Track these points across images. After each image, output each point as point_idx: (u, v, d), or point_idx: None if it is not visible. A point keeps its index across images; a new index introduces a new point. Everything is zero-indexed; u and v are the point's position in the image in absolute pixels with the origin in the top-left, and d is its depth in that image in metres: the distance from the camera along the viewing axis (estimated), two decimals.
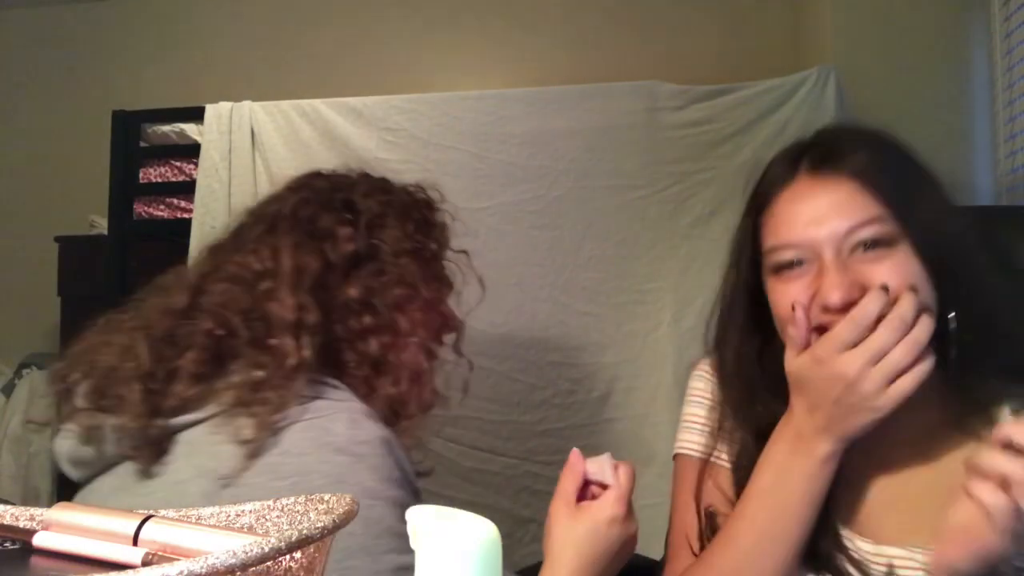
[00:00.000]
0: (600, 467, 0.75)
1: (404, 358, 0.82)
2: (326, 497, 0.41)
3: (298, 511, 0.41)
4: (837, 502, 0.74)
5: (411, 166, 1.68)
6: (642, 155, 1.68)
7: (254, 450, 0.66)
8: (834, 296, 0.68)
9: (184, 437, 0.71)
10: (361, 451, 0.69)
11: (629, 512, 0.73)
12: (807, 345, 0.70)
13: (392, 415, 0.81)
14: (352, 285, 0.80)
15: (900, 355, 0.64)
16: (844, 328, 0.65)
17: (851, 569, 0.72)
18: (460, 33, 2.41)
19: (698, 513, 0.83)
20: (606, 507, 0.72)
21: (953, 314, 0.68)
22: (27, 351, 2.40)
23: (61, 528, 0.38)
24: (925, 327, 0.65)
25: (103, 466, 0.73)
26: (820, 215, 0.72)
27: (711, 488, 0.84)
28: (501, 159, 1.73)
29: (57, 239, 2.24)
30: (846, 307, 0.67)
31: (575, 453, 0.78)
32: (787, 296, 0.73)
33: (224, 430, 0.69)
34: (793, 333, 0.70)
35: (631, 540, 0.73)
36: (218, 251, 0.85)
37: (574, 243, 1.69)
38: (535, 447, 1.66)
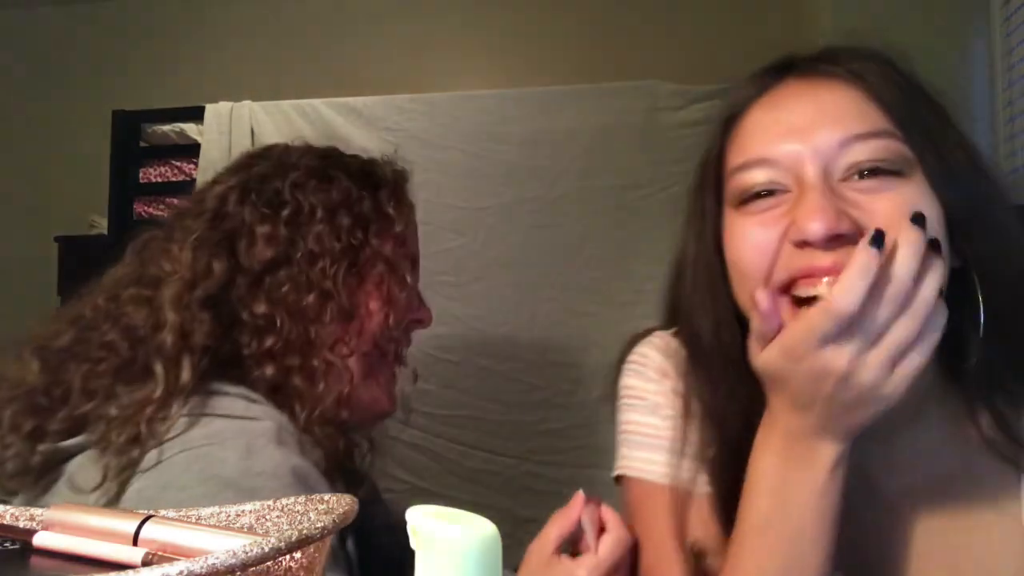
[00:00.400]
0: (590, 522, 0.64)
1: (325, 373, 0.71)
2: (326, 497, 0.41)
3: (298, 511, 0.41)
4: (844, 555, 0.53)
5: (411, 166, 1.68)
6: (642, 155, 1.68)
7: (120, 488, 0.59)
8: (814, 224, 0.49)
9: (68, 467, 0.64)
10: (254, 484, 0.58)
11: None
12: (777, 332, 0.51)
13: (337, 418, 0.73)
14: (258, 298, 0.70)
15: (903, 330, 0.47)
16: (820, 319, 0.47)
17: None
18: (460, 33, 2.41)
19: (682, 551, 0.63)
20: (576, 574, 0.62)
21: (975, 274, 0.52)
22: None
23: (61, 528, 0.38)
24: (935, 277, 0.47)
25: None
26: (805, 122, 0.53)
27: (694, 522, 0.63)
28: (501, 159, 1.73)
29: (57, 239, 2.24)
30: (830, 241, 0.49)
31: (578, 498, 0.64)
32: (748, 238, 0.54)
33: (97, 465, 0.61)
34: (757, 325, 0.52)
35: None
36: (150, 244, 0.76)
37: (574, 243, 1.69)
38: (535, 447, 1.66)
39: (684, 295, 0.64)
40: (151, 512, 0.38)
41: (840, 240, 0.50)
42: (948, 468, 0.56)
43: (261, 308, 0.70)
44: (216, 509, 0.41)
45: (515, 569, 0.64)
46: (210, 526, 0.39)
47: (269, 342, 0.69)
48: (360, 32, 2.44)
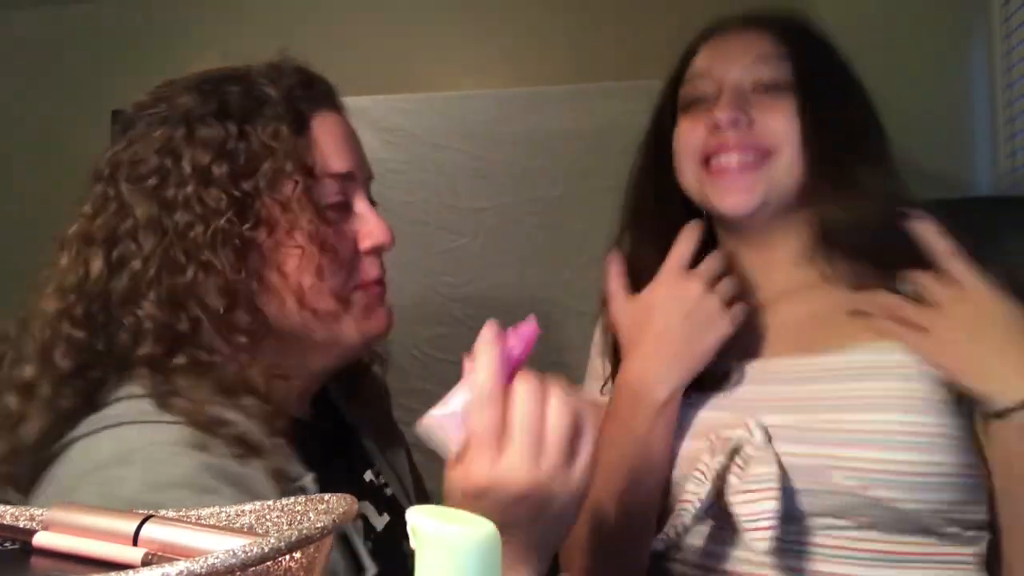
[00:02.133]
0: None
1: (231, 359, 0.63)
2: (326, 497, 0.41)
3: (298, 511, 0.41)
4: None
5: (411, 166, 1.68)
6: None
7: None
8: (723, 114, 0.75)
9: None
10: (160, 499, 0.52)
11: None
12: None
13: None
14: (139, 295, 0.63)
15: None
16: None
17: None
18: (460, 33, 2.41)
19: None
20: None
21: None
22: None
23: (61, 528, 0.38)
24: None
25: None
26: (731, 52, 0.80)
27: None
28: (501, 159, 1.73)
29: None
30: (732, 125, 0.75)
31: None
32: (687, 129, 0.81)
33: None
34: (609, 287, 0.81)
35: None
36: (52, 244, 0.70)
37: (574, 243, 1.69)
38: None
39: (635, 185, 0.90)
40: (151, 512, 0.38)
41: (737, 125, 0.75)
42: (806, 279, 0.80)
43: (145, 307, 0.62)
44: (216, 509, 0.41)
45: None
46: (210, 526, 0.39)
47: (148, 346, 0.61)
48: (360, 32, 2.44)
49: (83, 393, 0.61)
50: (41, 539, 0.38)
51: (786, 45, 0.78)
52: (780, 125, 0.75)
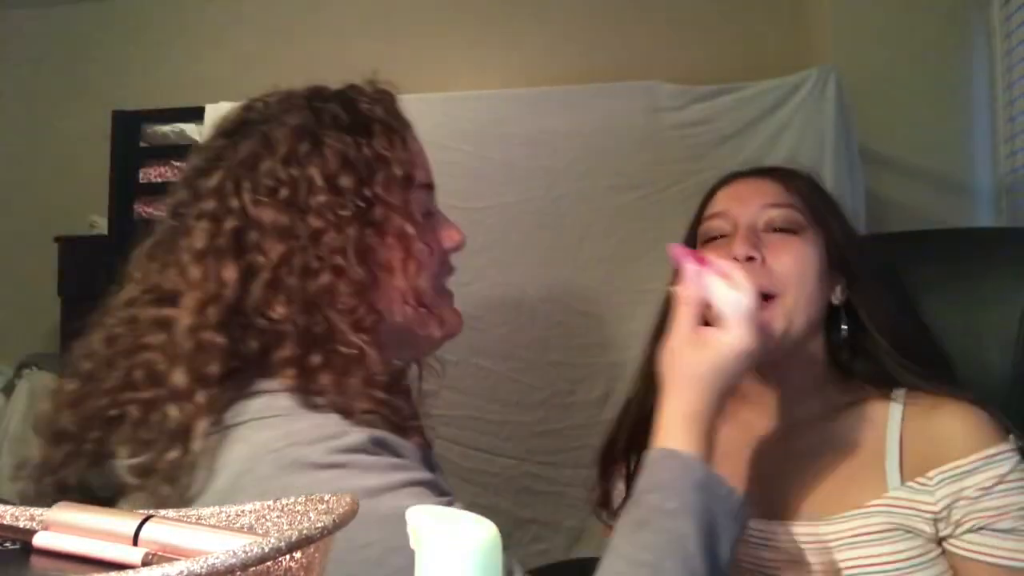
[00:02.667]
0: (717, 276, 0.72)
1: (357, 359, 0.68)
2: (326, 497, 0.41)
3: (298, 511, 0.41)
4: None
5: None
6: (642, 155, 1.68)
7: None
8: (739, 248, 0.83)
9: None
10: (346, 460, 0.60)
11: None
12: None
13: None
14: (275, 300, 0.67)
15: None
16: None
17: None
18: (460, 33, 2.41)
19: None
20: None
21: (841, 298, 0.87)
22: (27, 351, 2.39)
23: (61, 528, 0.38)
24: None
25: None
26: (745, 196, 0.90)
27: None
28: (501, 159, 1.72)
29: (57, 239, 2.24)
30: (748, 260, 0.82)
31: (690, 269, 0.74)
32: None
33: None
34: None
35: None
36: (156, 253, 0.72)
37: (574, 243, 1.69)
38: (534, 447, 1.66)
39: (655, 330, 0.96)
40: (151, 512, 0.38)
41: (752, 260, 0.83)
42: (830, 448, 0.84)
43: (279, 311, 0.66)
44: (216, 509, 0.41)
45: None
46: (210, 526, 0.39)
47: (289, 347, 0.66)
48: (360, 32, 2.44)
49: (234, 394, 0.64)
50: (41, 539, 0.38)
51: (792, 192, 0.89)
52: (788, 263, 0.83)
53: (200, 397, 0.62)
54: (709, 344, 0.68)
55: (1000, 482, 0.74)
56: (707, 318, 0.72)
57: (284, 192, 0.69)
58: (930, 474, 0.76)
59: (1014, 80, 1.69)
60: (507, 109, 1.75)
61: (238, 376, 0.65)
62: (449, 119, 1.74)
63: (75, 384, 0.67)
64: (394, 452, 0.64)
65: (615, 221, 1.68)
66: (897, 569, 0.74)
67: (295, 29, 2.50)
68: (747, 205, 0.88)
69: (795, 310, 0.83)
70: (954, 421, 0.79)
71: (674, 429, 0.66)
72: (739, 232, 0.86)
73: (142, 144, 2.00)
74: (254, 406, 0.63)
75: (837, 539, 0.78)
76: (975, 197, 1.75)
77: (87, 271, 2.15)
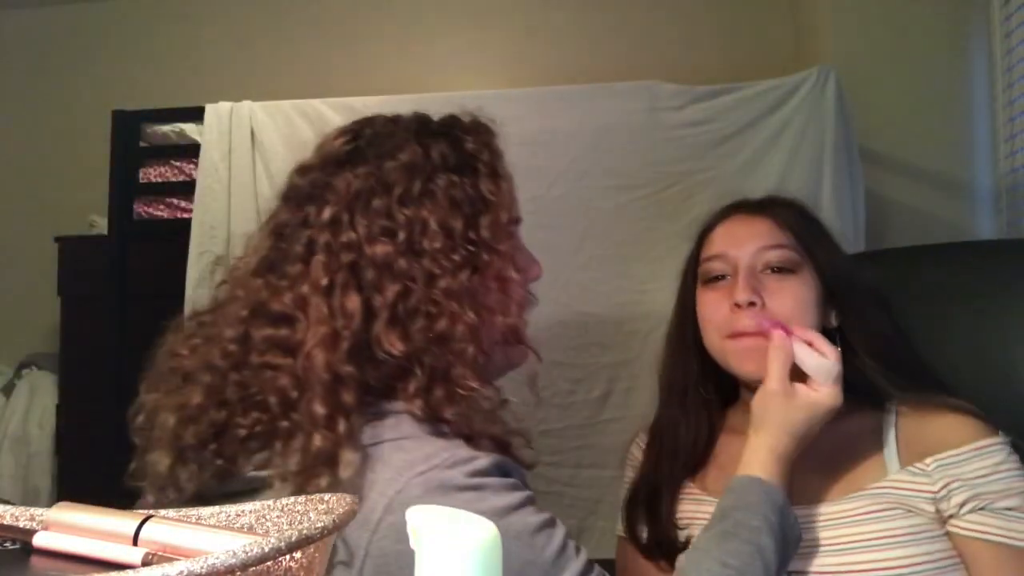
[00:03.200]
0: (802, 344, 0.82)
1: (469, 398, 0.71)
2: (326, 497, 0.41)
3: (298, 511, 0.41)
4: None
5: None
6: (642, 155, 1.68)
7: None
8: (741, 295, 0.88)
9: None
10: (481, 483, 0.65)
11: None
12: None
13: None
14: (394, 335, 0.68)
15: None
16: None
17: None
18: (460, 33, 2.41)
19: None
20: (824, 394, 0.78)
21: (837, 325, 0.91)
22: (27, 351, 2.40)
23: (61, 528, 0.38)
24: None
25: None
26: (742, 238, 0.93)
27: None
28: None
29: (57, 239, 2.24)
30: (749, 305, 0.87)
31: (778, 335, 0.83)
32: (710, 302, 0.94)
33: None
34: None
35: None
36: (271, 269, 0.72)
37: (574, 243, 1.69)
38: (535, 447, 1.66)
39: (665, 351, 1.03)
40: (151, 512, 0.38)
41: (753, 305, 0.88)
42: (831, 446, 0.87)
43: (399, 347, 0.68)
44: (216, 509, 0.41)
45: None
46: (210, 526, 0.39)
47: (413, 383, 0.68)
48: (360, 32, 2.44)
49: (364, 418, 0.67)
50: (41, 539, 0.38)
51: (785, 229, 0.92)
52: (788, 304, 0.88)
53: (341, 427, 0.64)
54: (806, 400, 0.80)
55: (996, 468, 0.79)
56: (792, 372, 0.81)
57: (400, 234, 0.70)
58: (927, 461, 0.82)
59: (1014, 80, 1.69)
60: (507, 109, 1.74)
61: (365, 401, 0.68)
62: None
63: (199, 397, 0.68)
64: (511, 474, 0.70)
65: (615, 221, 1.68)
66: (898, 542, 0.79)
67: (295, 30, 2.50)
68: (744, 247, 0.92)
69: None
70: (946, 419, 0.84)
71: (764, 462, 0.78)
72: (739, 277, 0.90)
73: (142, 144, 2.00)
74: (386, 427, 0.67)
75: (839, 518, 0.83)
76: (975, 197, 1.75)
77: (87, 271, 2.15)
